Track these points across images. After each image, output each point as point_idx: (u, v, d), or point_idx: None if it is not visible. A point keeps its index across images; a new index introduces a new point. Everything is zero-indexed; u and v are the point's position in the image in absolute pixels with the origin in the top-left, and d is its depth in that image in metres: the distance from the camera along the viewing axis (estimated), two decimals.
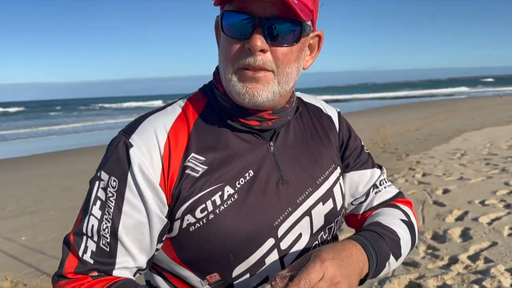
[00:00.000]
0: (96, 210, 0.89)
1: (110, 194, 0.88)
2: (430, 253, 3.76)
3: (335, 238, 1.09)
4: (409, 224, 1.06)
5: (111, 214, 0.88)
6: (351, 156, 1.10)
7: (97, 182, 0.91)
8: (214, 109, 0.96)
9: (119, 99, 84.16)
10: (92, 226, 0.88)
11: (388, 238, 0.98)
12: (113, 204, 0.88)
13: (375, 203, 1.10)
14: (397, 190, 1.15)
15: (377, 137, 10.65)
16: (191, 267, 0.94)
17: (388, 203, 1.11)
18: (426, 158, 8.00)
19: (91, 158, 11.18)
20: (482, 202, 5.04)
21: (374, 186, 1.11)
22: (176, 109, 0.96)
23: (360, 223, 1.11)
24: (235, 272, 0.93)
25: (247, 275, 0.93)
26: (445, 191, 5.60)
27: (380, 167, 1.16)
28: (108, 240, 0.88)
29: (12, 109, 53.38)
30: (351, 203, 1.12)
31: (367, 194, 1.10)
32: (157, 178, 0.88)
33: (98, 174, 0.91)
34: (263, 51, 0.86)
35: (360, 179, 1.10)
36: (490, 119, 13.98)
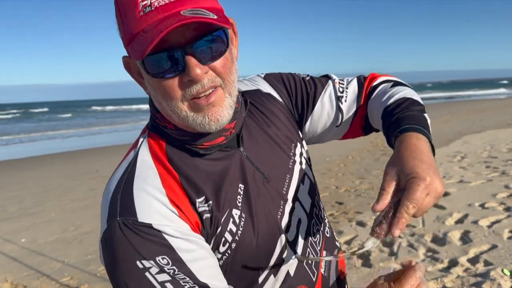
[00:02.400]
0: None
1: (172, 270, 0.81)
2: (430, 256, 3.76)
3: (323, 209, 1.16)
4: (395, 83, 1.11)
5: (190, 281, 0.82)
6: (303, 98, 1.12)
7: (146, 274, 0.80)
8: (176, 146, 0.92)
9: (123, 101, 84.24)
10: None
11: (407, 106, 0.98)
12: (182, 275, 0.81)
13: (353, 105, 1.12)
14: (355, 78, 1.16)
15: (378, 140, 10.65)
16: None
17: (364, 93, 1.13)
18: None
19: (92, 159, 11.20)
20: (482, 205, 5.03)
21: (338, 98, 1.12)
22: (150, 164, 0.89)
23: (363, 126, 1.14)
24: (260, 278, 0.97)
25: (272, 277, 0.98)
26: (445, 194, 5.59)
27: (326, 79, 1.16)
28: None
29: (12, 111, 53.44)
30: (338, 125, 1.14)
31: (339, 109, 1.12)
32: (189, 230, 0.86)
33: (140, 267, 0.80)
34: (205, 73, 0.82)
35: (324, 106, 1.12)
36: (491, 121, 13.97)
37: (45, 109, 56.37)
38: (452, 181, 6.25)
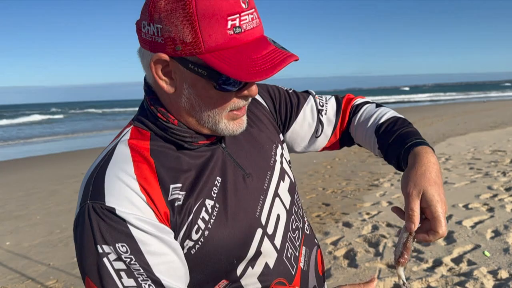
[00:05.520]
0: (127, 281, 0.82)
1: (129, 259, 0.83)
2: (415, 256, 3.82)
3: (302, 208, 1.21)
4: (378, 105, 1.26)
5: (144, 273, 0.83)
6: (287, 108, 1.21)
7: (104, 259, 0.82)
8: (160, 138, 0.95)
9: (108, 104, 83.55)
10: None
11: (402, 124, 1.13)
12: (138, 265, 0.83)
13: (333, 119, 1.25)
14: (333, 96, 1.30)
15: None
16: (201, 285, 0.97)
17: (343, 111, 1.26)
18: None
19: (77, 162, 11.09)
20: (466, 206, 5.12)
21: (319, 111, 1.24)
22: (125, 152, 0.91)
23: (339, 140, 1.27)
24: (239, 270, 0.99)
25: (250, 268, 1.00)
26: None
27: (307, 94, 1.27)
28: None
29: None
30: (318, 136, 1.25)
31: (319, 121, 1.24)
32: (154, 219, 0.86)
33: (100, 251, 0.82)
34: None
35: (305, 117, 1.22)
36: (474, 124, 14.19)
37: (29, 111, 55.67)
38: None
